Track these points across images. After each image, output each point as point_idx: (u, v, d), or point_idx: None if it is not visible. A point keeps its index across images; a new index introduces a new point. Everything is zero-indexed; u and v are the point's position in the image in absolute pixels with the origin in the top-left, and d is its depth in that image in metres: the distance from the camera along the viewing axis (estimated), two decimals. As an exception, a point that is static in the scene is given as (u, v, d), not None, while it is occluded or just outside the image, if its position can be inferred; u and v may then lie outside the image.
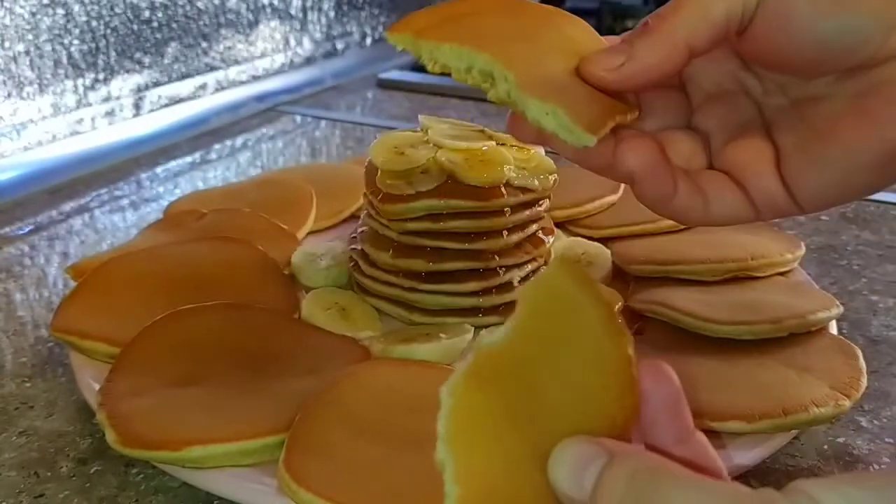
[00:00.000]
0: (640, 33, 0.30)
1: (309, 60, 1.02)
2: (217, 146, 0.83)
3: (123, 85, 0.79)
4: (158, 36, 0.82)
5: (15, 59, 0.68)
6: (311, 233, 0.59)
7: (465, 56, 0.31)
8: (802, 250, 0.52)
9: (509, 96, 0.30)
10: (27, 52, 0.69)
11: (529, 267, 0.49)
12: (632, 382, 0.24)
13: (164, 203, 0.65)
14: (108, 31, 0.76)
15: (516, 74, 0.30)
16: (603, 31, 0.33)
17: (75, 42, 0.73)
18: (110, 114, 0.78)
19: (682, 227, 0.53)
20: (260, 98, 0.94)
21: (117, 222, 0.66)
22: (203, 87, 0.88)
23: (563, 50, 0.32)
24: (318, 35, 1.03)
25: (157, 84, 0.83)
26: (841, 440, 0.41)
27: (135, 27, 0.79)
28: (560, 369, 0.25)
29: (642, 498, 0.20)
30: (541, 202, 0.49)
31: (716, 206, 0.32)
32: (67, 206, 0.68)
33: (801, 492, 0.19)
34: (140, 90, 0.81)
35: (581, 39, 0.33)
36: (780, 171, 0.31)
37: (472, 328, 0.46)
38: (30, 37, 0.69)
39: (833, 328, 0.46)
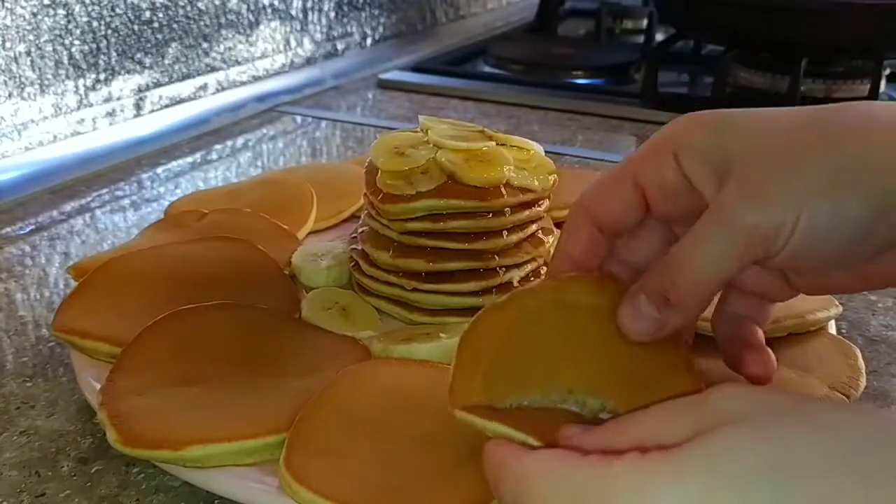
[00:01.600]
0: (664, 306, 0.31)
1: (309, 61, 1.02)
2: (218, 146, 0.83)
3: (124, 85, 0.79)
4: (159, 36, 0.82)
5: (16, 59, 0.68)
6: (311, 233, 0.59)
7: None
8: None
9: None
10: (28, 53, 0.69)
11: (529, 267, 0.49)
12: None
13: (165, 203, 0.65)
14: (109, 31, 0.76)
15: (616, 402, 0.32)
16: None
17: (76, 42, 0.73)
18: (111, 114, 0.78)
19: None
20: (260, 98, 0.94)
21: (118, 222, 0.66)
22: (204, 87, 0.88)
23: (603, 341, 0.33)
24: (318, 36, 1.04)
25: (157, 84, 0.83)
26: (840, 440, 0.41)
27: (136, 28, 0.79)
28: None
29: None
30: (541, 202, 0.49)
31: None
32: (68, 206, 0.68)
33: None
34: (141, 91, 0.81)
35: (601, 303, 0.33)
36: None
37: (472, 328, 0.46)
38: (31, 37, 0.69)
39: (832, 328, 0.46)
